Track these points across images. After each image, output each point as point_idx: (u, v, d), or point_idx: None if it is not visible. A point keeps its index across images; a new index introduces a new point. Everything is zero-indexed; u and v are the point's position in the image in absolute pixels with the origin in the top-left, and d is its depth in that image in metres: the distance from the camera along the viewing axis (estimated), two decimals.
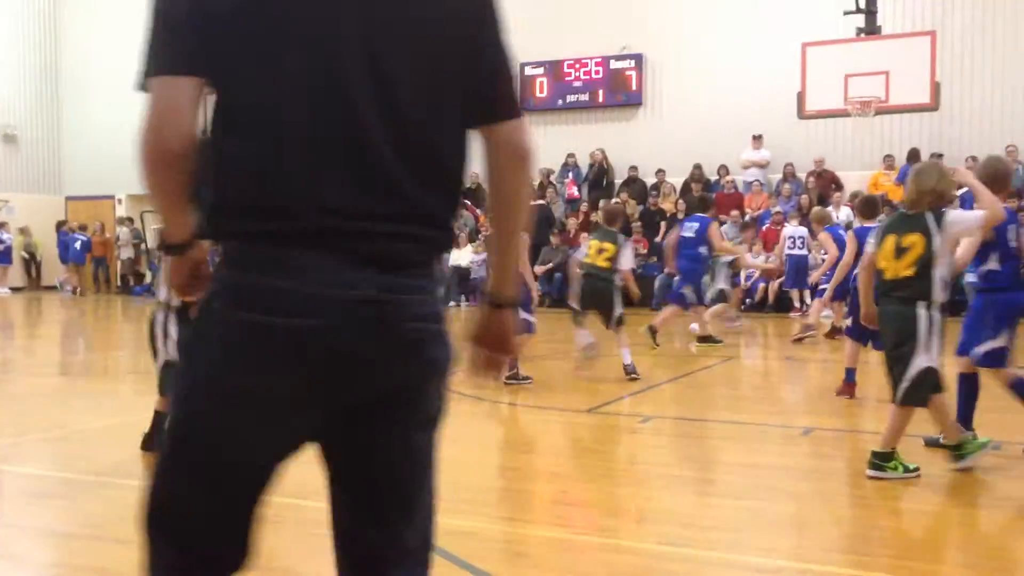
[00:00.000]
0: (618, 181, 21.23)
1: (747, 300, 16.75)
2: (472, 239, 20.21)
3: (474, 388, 9.14)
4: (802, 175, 19.42)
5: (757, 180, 19.41)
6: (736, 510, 5.20)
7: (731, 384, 9.53)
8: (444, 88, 2.02)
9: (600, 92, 21.71)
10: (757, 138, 19.71)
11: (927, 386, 5.42)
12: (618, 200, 19.17)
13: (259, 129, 1.90)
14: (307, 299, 1.87)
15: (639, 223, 19.48)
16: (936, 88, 14.84)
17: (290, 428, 2.00)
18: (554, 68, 22.07)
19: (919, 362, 5.38)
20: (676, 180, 20.29)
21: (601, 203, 16.63)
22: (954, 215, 5.53)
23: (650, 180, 20.70)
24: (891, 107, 15.18)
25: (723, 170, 19.91)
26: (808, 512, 5.15)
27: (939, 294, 5.38)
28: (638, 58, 21.32)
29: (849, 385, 8.37)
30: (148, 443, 5.90)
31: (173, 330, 5.60)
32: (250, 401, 1.92)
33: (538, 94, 22.33)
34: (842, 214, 17.87)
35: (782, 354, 11.99)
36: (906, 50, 15.20)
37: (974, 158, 18.08)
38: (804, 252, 16.79)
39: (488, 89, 2.09)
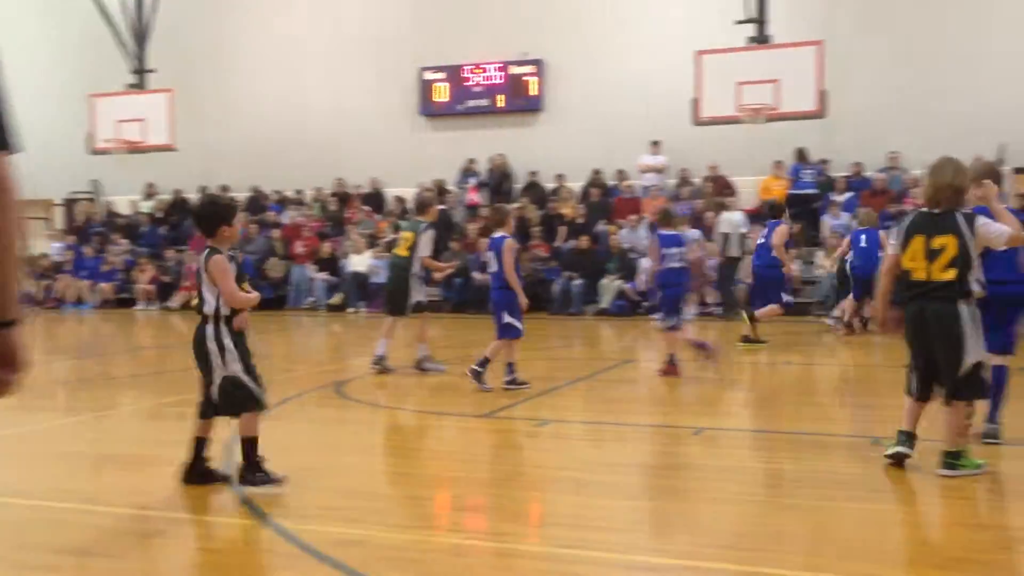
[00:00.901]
0: (518, 186, 21.31)
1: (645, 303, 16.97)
2: (372, 244, 20.00)
3: (369, 395, 9.05)
4: (697, 180, 19.82)
5: (655, 184, 19.73)
6: (630, 511, 5.24)
7: (629, 386, 9.64)
8: None
9: (500, 97, 21.77)
10: (655, 144, 20.03)
11: (980, 379, 5.52)
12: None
13: None
14: None
15: (539, 227, 19.57)
16: (823, 96, 15.30)
17: None
18: (454, 73, 22.04)
19: (970, 358, 5.45)
20: (576, 185, 20.47)
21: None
22: (985, 224, 5.50)
23: (550, 185, 20.84)
24: (781, 114, 15.60)
25: (621, 175, 20.18)
26: (700, 511, 5.22)
27: (977, 291, 5.46)
28: (538, 63, 21.46)
29: (673, 367, 9.52)
30: (191, 475, 5.50)
31: (229, 342, 5.39)
32: None
33: (438, 99, 22.26)
34: (735, 218, 18.30)
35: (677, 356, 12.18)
36: (795, 59, 15.64)
37: (859, 164, 18.79)
38: (699, 255, 17.15)
39: None
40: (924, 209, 5.66)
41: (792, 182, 18.92)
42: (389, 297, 10.44)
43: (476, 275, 18.61)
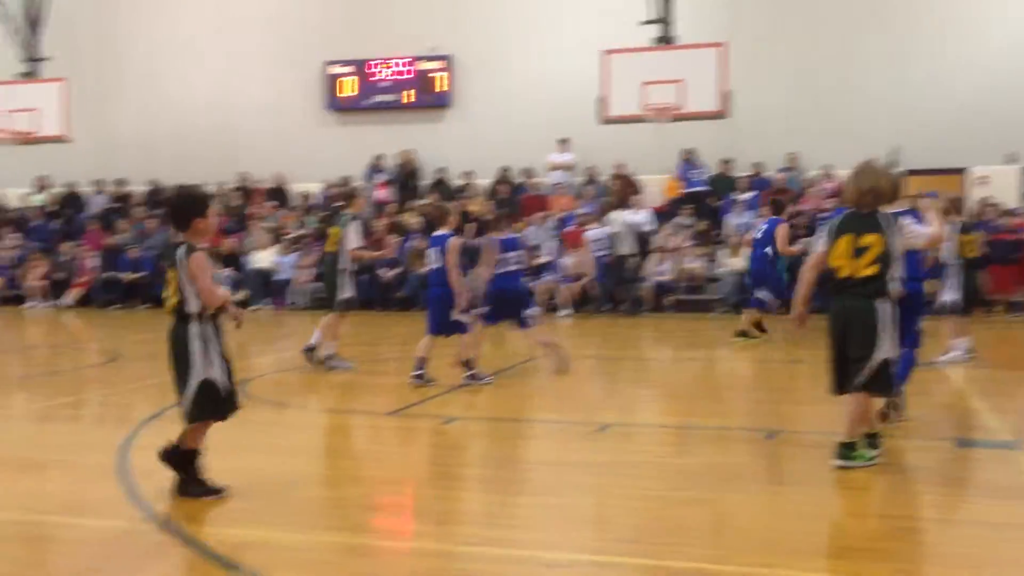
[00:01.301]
0: (426, 183, 21.22)
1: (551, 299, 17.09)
2: (276, 240, 19.67)
3: (274, 394, 8.90)
4: (604, 178, 20.04)
5: (562, 182, 19.87)
6: (537, 507, 5.26)
7: (536, 383, 9.68)
8: None
9: (408, 93, 21.63)
10: (563, 141, 20.17)
11: (887, 376, 5.67)
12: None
13: None
14: None
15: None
16: (726, 97, 15.62)
17: None
18: (361, 67, 21.81)
19: (880, 354, 5.60)
20: (484, 182, 20.48)
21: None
22: (905, 225, 5.74)
23: (458, 182, 20.80)
24: (686, 114, 15.85)
25: (529, 172, 20.27)
26: (605, 506, 5.28)
27: (896, 290, 5.65)
28: (447, 59, 21.39)
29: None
30: (185, 488, 5.23)
31: (214, 342, 5.19)
32: None
33: (344, 93, 22.00)
34: (640, 217, 18.57)
35: (585, 353, 12.30)
36: (699, 60, 15.91)
37: (760, 164, 19.25)
38: (607, 252, 17.40)
39: None
40: (850, 210, 5.83)
41: (685, 182, 19.24)
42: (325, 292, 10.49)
43: (382, 272, 18.48)
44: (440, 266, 8.90)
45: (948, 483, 5.62)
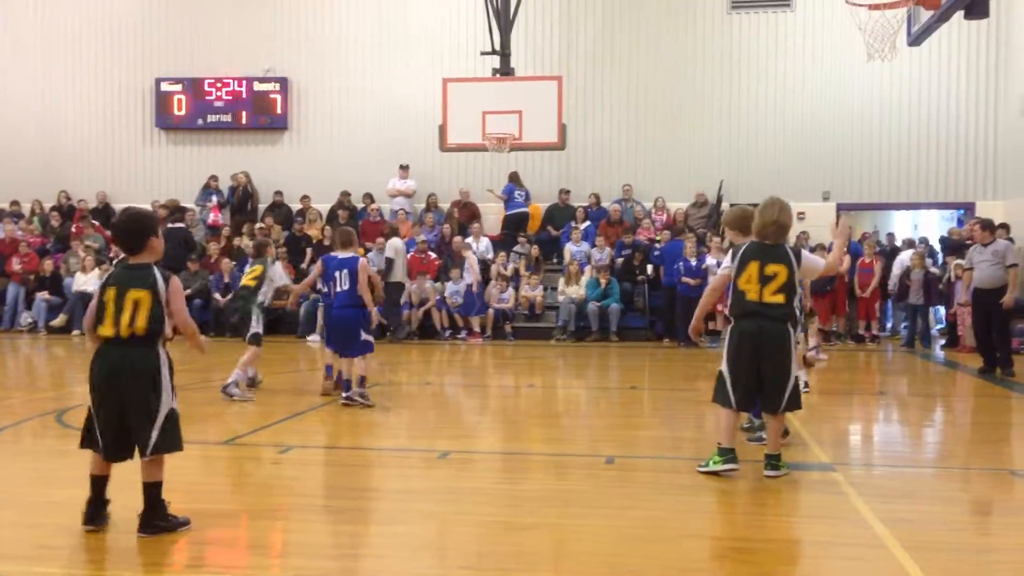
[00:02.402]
0: (263, 206, 20.74)
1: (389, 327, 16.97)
2: (99, 263, 18.73)
3: None
4: (445, 205, 20.12)
5: (403, 209, 19.82)
6: (378, 536, 5.19)
7: (376, 410, 9.54)
8: None
9: (243, 113, 21.13)
10: (404, 168, 20.15)
11: (797, 392, 6.26)
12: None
13: None
14: None
15: (284, 249, 19.11)
16: (563, 129, 16.00)
17: None
18: (194, 85, 21.16)
19: (792, 374, 6.20)
20: (323, 206, 20.19)
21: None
22: (806, 257, 6.48)
23: (296, 205, 20.43)
24: (524, 144, 16.13)
25: (369, 198, 20.13)
26: (446, 533, 5.25)
27: (796, 316, 6.27)
28: (283, 82, 21.04)
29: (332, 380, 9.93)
30: (152, 523, 5.02)
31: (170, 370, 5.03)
32: None
33: (176, 112, 21.28)
34: (482, 246, 18.75)
35: (424, 379, 12.26)
36: (536, 92, 16.24)
37: (597, 195, 19.81)
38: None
39: None
40: (756, 240, 6.32)
41: (506, 201, 19.58)
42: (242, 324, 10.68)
43: (217, 296, 17.89)
44: (349, 287, 9.24)
45: (777, 504, 5.88)
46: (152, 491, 5.05)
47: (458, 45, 20.10)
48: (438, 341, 17.17)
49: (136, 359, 4.91)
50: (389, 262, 16.72)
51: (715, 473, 6.30)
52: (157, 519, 5.02)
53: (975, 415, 10.04)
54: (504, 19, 16.59)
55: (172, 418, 5.02)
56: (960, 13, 10.13)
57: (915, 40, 11.62)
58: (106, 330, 4.92)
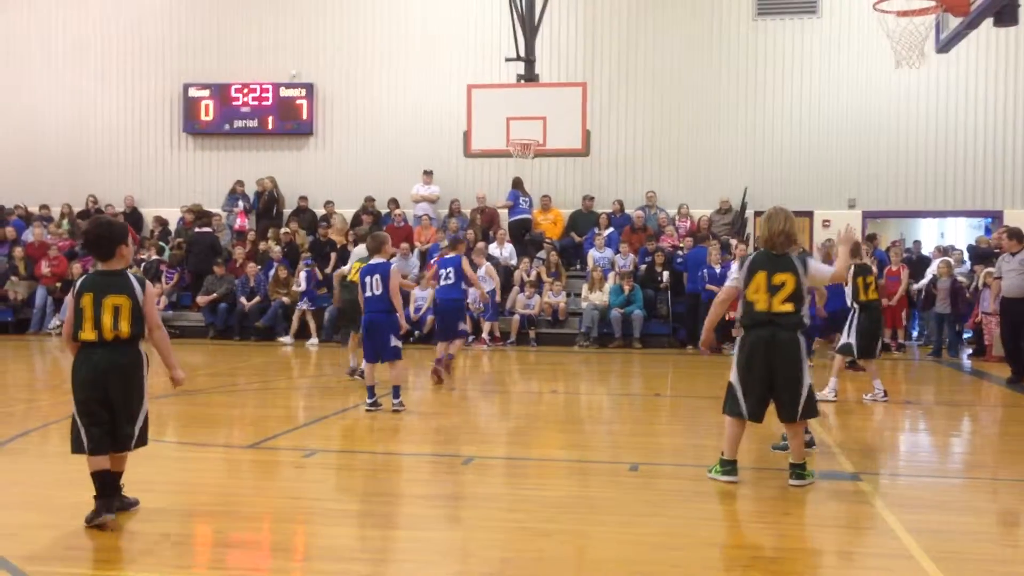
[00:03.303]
0: (288, 211, 20.87)
1: (415, 332, 16.99)
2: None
3: None
4: (467, 211, 20.16)
5: (427, 214, 19.88)
6: (402, 541, 5.21)
7: (399, 415, 9.58)
8: None
9: (270, 119, 21.28)
10: (428, 173, 20.22)
11: (813, 399, 6.27)
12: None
13: None
14: None
15: (308, 253, 19.24)
16: (587, 135, 16.00)
17: None
18: (221, 91, 21.33)
19: (806, 382, 6.20)
20: (347, 211, 20.30)
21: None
22: (813, 265, 6.41)
23: (320, 210, 20.54)
24: (548, 151, 16.13)
25: (393, 203, 20.21)
26: (468, 539, 5.26)
27: (807, 323, 6.28)
28: (309, 87, 21.17)
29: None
30: (109, 506, 5.24)
31: None
32: None
33: (204, 117, 21.46)
34: (506, 251, 18.78)
35: (449, 384, 12.28)
36: (561, 98, 16.24)
37: (620, 202, 19.79)
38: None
39: None
40: (763, 249, 6.35)
41: (511, 208, 19.61)
42: (342, 315, 12.27)
43: (243, 300, 18.02)
44: (380, 292, 9.25)
45: (802, 513, 5.84)
46: (117, 479, 5.38)
47: (483, 51, 20.14)
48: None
49: (121, 361, 5.20)
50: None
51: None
52: (115, 501, 5.34)
53: (1003, 425, 9.93)
54: (529, 25, 16.62)
55: (147, 416, 5.36)
56: (989, 20, 10.06)
57: (944, 47, 11.55)
58: (87, 335, 5.17)
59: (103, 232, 5.37)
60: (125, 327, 5.15)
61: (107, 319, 5.13)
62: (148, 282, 5.34)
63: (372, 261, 9.53)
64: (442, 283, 11.82)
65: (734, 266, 6.55)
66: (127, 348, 5.20)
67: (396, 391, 9.37)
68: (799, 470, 6.28)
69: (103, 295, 5.15)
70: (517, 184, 19.50)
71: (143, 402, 5.28)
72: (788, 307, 6.15)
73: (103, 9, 21.93)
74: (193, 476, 6.75)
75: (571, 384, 12.89)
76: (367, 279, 9.40)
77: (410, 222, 19.94)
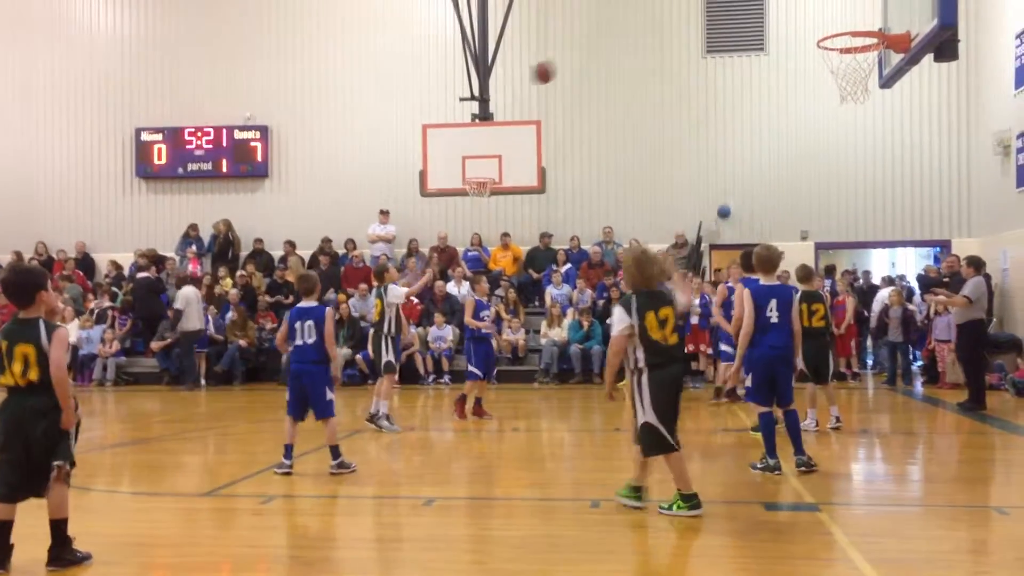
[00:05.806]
0: (244, 253, 20.72)
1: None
2: (79, 312, 18.62)
3: (79, 477, 8.32)
4: (425, 250, 20.16)
5: (384, 254, 19.83)
6: None
7: (360, 458, 9.47)
8: None
9: (224, 161, 21.18)
10: (384, 213, 20.21)
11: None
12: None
13: None
14: None
15: (266, 296, 19.09)
16: (542, 172, 16.11)
17: None
18: (173, 135, 21.21)
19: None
20: (305, 252, 20.20)
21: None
22: (676, 297, 6.72)
23: (278, 252, 20.43)
24: (504, 188, 16.21)
25: (351, 244, 20.15)
26: None
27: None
28: (263, 129, 21.12)
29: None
30: (61, 556, 5.32)
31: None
32: None
33: (157, 161, 21.31)
34: (463, 289, 18.77)
35: (408, 424, 12.19)
36: (515, 136, 16.36)
37: (577, 237, 19.91)
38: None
39: None
40: (643, 289, 6.46)
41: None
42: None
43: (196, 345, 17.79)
44: (314, 340, 8.16)
45: (763, 547, 5.86)
46: (61, 527, 5.35)
47: (437, 91, 20.27)
48: (421, 386, 17.10)
49: (35, 405, 5.23)
50: (177, 313, 17.05)
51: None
52: (65, 554, 5.33)
53: (959, 452, 10.06)
54: (482, 65, 16.75)
55: (71, 459, 5.37)
56: (930, 56, 10.33)
57: (887, 82, 11.82)
58: (6, 380, 5.27)
59: (20, 280, 5.40)
60: (33, 374, 5.21)
61: (17, 367, 5.21)
62: (61, 329, 5.32)
63: (303, 305, 8.38)
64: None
65: (617, 315, 6.47)
66: (42, 393, 5.22)
67: (335, 451, 8.30)
68: (636, 492, 6.61)
69: (14, 344, 5.22)
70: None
71: (69, 442, 5.31)
72: (675, 338, 6.45)
73: (52, 53, 21.76)
74: (148, 527, 6.61)
75: (532, 421, 12.86)
76: (296, 325, 8.22)
77: (368, 262, 19.88)
